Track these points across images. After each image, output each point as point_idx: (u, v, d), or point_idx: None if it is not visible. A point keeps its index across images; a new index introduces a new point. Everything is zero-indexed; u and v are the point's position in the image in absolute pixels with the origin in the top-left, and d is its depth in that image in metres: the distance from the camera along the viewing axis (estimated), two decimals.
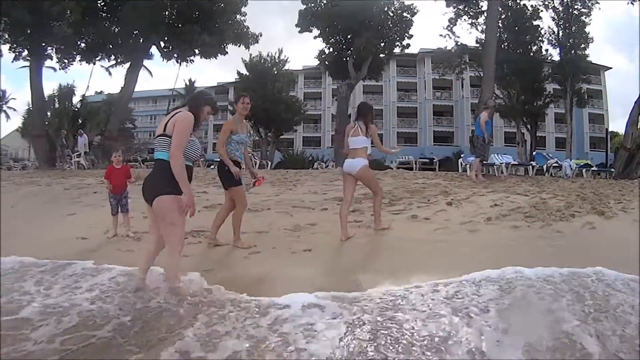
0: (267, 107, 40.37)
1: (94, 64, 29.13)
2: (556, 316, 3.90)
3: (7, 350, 3.30)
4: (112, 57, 28.24)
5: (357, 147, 6.94)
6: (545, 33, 32.85)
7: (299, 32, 30.46)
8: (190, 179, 4.35)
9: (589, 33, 32.71)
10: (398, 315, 4.00)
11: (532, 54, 32.67)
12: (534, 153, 19.31)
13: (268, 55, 44.24)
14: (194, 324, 3.82)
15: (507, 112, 35.41)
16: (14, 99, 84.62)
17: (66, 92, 44.65)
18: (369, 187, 7.28)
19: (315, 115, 60.31)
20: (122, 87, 28.28)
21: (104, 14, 25.02)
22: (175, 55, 28.90)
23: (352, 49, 29.23)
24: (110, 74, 33.45)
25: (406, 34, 29.70)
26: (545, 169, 16.47)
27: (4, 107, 60.72)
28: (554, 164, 16.43)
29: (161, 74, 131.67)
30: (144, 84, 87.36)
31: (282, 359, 3.28)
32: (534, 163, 16.68)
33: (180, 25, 25.96)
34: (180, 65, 29.27)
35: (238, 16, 28.21)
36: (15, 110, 55.46)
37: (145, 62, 34.40)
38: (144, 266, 4.70)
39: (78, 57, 27.53)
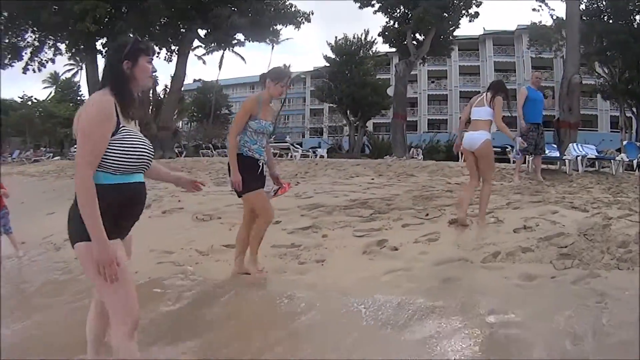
0: (353, 91, 39.55)
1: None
2: None
3: None
4: (160, 48, 27.59)
5: (480, 118, 6.13)
6: None
7: (359, 7, 27.26)
8: (134, 207, 2.65)
9: None
10: None
11: (635, 24, 27.64)
12: (624, 143, 14.87)
13: (354, 37, 42.77)
14: None
15: (609, 92, 30.99)
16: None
17: None
18: (482, 170, 6.18)
19: (412, 99, 56.48)
20: (172, 77, 27.54)
21: (129, 8, 24.34)
22: (215, 41, 28.31)
23: (410, 21, 25.67)
24: (204, 62, 33.82)
25: (474, 1, 25.51)
26: (636, 165, 12.27)
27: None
28: None
29: (258, 59, 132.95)
30: (240, 70, 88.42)
31: None
32: (623, 156, 12.46)
33: (211, 8, 24.71)
34: (224, 50, 27.85)
35: None
36: None
37: (237, 49, 35.39)
38: None
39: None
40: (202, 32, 27.42)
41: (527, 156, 10.67)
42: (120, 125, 2.50)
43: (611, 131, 42.89)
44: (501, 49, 53.00)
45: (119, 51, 2.62)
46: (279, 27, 27.96)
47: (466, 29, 64.10)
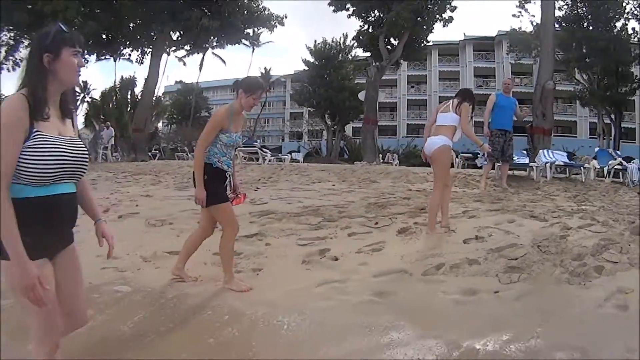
0: (331, 95, 39.58)
1: (116, 59, 29.16)
2: None
3: None
4: (132, 50, 27.96)
5: (443, 124, 6.01)
6: (630, 8, 27.71)
7: (333, 11, 26.83)
8: (58, 222, 2.31)
9: None
10: None
11: (615, 31, 27.71)
12: (596, 150, 14.60)
13: (333, 40, 42.60)
14: None
15: (587, 98, 30.87)
16: (95, 89, 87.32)
17: (127, 83, 45.47)
18: (434, 175, 6.15)
19: (391, 104, 57.11)
20: (145, 79, 27.28)
21: (101, 8, 24.04)
22: (189, 44, 28.26)
23: (383, 25, 25.27)
24: (184, 64, 33.59)
25: (448, 6, 25.17)
26: (606, 172, 11.96)
27: (87, 98, 61.58)
28: (616, 166, 11.82)
29: (239, 61, 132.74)
30: (221, 72, 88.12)
31: None
32: (595, 163, 12.18)
33: (182, 11, 24.63)
34: (203, 52, 28.45)
35: None
36: (97, 100, 57.16)
37: (217, 51, 36.02)
38: None
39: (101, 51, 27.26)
40: (176, 34, 27.35)
41: (495, 163, 10.40)
42: (34, 130, 2.16)
43: (590, 137, 42.99)
44: (481, 54, 53.05)
45: (41, 42, 2.27)
46: (251, 30, 27.97)
47: (446, 34, 64.42)
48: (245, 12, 26.21)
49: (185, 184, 10.53)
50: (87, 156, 2.40)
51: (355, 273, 4.71)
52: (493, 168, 10.53)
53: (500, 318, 3.62)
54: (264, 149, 18.47)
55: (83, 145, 2.40)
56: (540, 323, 3.50)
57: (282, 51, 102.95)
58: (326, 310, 3.91)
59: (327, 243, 5.71)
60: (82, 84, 60.69)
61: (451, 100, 6.13)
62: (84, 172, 2.38)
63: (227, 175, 4.49)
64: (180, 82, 59.04)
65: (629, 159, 12.79)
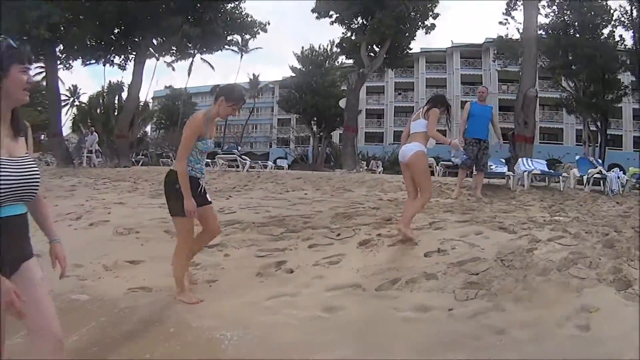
0: (317, 102, 39.91)
1: (104, 64, 28.54)
2: None
3: None
4: (115, 55, 27.72)
5: (416, 131, 5.93)
6: (618, 15, 27.77)
7: (317, 17, 26.73)
8: (7, 242, 2.17)
9: None
10: None
11: (601, 38, 27.82)
12: (577, 158, 14.39)
13: (320, 47, 43.25)
14: None
15: (573, 106, 31.01)
16: (84, 93, 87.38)
17: (114, 88, 45.43)
18: (417, 182, 5.87)
19: (378, 110, 57.61)
20: (129, 85, 27.45)
21: (84, 14, 24.04)
22: (172, 50, 28.50)
23: (365, 32, 25.16)
24: (173, 69, 33.72)
25: (430, 13, 25.07)
26: (585, 181, 11.71)
27: (76, 102, 61.28)
28: (595, 175, 11.58)
29: (228, 68, 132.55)
30: (209, 78, 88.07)
31: None
32: (575, 172, 11.99)
33: (164, 18, 24.56)
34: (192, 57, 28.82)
35: (229, 5, 26.61)
36: (85, 105, 57.10)
37: (207, 57, 36.36)
38: None
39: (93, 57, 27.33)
40: (158, 41, 27.41)
41: (472, 171, 10.23)
42: None
43: (576, 144, 43.26)
44: (468, 62, 53.38)
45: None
46: (240, 36, 28.41)
47: (434, 41, 64.67)
48: (228, 18, 26.18)
49: (160, 191, 10.43)
50: (38, 176, 2.32)
51: (307, 287, 4.57)
52: (470, 176, 10.36)
53: (450, 337, 3.46)
54: (243, 157, 18.18)
55: (34, 165, 2.33)
56: (493, 343, 3.32)
57: (272, 57, 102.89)
58: (271, 325, 3.83)
59: (286, 255, 5.57)
60: (71, 88, 60.74)
61: (422, 108, 6.04)
62: (34, 193, 2.32)
63: (200, 182, 4.38)
64: (170, 87, 59.01)
65: (613, 167, 12.61)
